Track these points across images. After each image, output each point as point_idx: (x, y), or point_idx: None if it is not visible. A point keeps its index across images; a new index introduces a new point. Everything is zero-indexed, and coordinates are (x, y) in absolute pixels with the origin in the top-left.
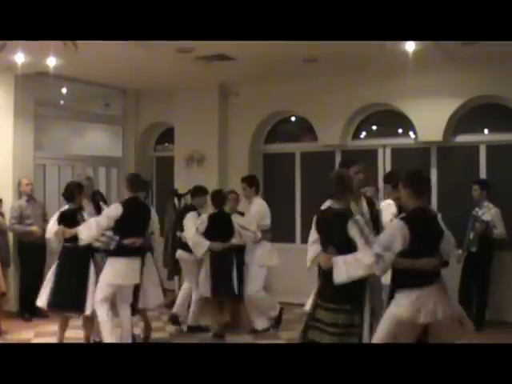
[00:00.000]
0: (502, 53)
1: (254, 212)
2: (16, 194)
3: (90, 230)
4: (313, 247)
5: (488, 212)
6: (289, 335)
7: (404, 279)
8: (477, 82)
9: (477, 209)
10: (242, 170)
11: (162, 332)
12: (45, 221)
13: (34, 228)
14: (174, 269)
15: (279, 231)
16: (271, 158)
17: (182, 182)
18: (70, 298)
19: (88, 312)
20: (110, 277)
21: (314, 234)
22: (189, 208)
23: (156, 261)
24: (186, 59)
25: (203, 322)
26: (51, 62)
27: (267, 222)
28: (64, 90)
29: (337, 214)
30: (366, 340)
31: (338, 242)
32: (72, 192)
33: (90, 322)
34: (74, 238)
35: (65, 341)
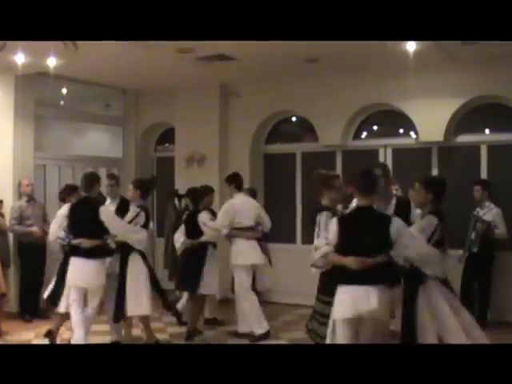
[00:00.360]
0: (503, 53)
1: (222, 209)
2: (16, 194)
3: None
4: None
5: (489, 212)
6: (289, 336)
7: (337, 274)
8: (478, 81)
9: (478, 209)
10: (242, 171)
11: (163, 333)
12: (45, 221)
13: (34, 229)
14: (174, 269)
15: (280, 232)
16: (272, 159)
17: (183, 182)
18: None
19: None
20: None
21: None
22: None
23: (155, 262)
24: (186, 59)
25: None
26: (51, 62)
27: (241, 219)
28: (64, 91)
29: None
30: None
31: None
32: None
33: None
34: None
35: (67, 341)
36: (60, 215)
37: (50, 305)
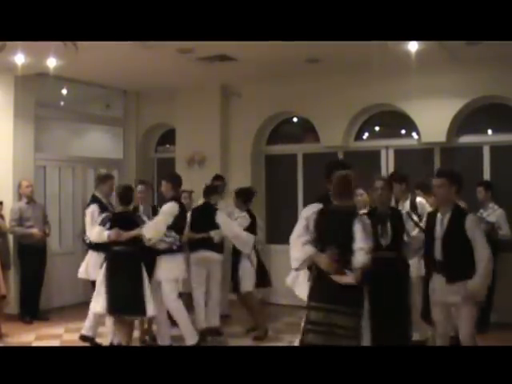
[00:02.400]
0: (506, 53)
1: None
2: (16, 195)
3: (156, 228)
4: (304, 248)
5: (493, 213)
6: (291, 338)
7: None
8: (480, 82)
9: (481, 210)
10: (243, 172)
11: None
12: (45, 223)
13: (34, 230)
14: None
15: (281, 232)
16: (273, 159)
17: (184, 183)
18: (130, 302)
19: (150, 313)
20: (176, 272)
21: (305, 235)
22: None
23: None
24: (187, 60)
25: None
26: (51, 62)
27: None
28: (64, 91)
29: (344, 211)
30: (365, 343)
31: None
32: (128, 195)
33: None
34: (129, 241)
35: (67, 344)
36: (169, 213)
37: (117, 314)
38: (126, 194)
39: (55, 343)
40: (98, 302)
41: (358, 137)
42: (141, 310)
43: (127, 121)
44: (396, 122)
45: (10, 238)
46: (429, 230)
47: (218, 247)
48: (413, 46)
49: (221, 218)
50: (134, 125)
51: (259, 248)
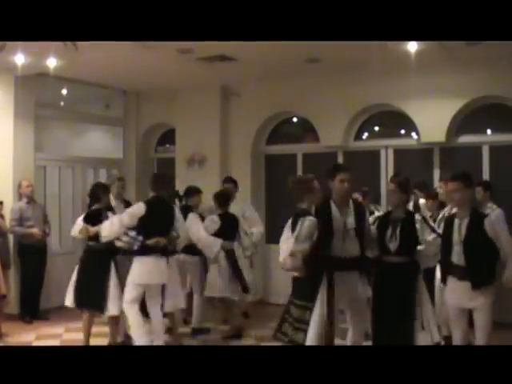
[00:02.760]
0: (506, 53)
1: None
2: (16, 195)
3: (111, 226)
4: (288, 244)
5: (492, 213)
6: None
7: None
8: (480, 82)
9: (480, 210)
10: (243, 172)
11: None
12: (45, 223)
13: (35, 230)
14: None
15: (280, 232)
16: (273, 159)
17: (183, 183)
18: (92, 297)
19: (112, 313)
20: (137, 277)
21: (289, 233)
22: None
23: None
24: (187, 60)
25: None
26: (51, 62)
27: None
28: (64, 91)
29: (297, 213)
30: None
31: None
32: (97, 193)
33: (114, 322)
34: (98, 237)
35: (67, 344)
36: (131, 213)
37: (83, 307)
38: (94, 192)
39: (55, 343)
40: (69, 295)
41: (358, 137)
42: (100, 306)
43: (127, 121)
44: (395, 121)
45: (10, 237)
46: (446, 236)
47: (193, 250)
48: (412, 46)
49: (189, 220)
50: (133, 125)
51: (249, 253)
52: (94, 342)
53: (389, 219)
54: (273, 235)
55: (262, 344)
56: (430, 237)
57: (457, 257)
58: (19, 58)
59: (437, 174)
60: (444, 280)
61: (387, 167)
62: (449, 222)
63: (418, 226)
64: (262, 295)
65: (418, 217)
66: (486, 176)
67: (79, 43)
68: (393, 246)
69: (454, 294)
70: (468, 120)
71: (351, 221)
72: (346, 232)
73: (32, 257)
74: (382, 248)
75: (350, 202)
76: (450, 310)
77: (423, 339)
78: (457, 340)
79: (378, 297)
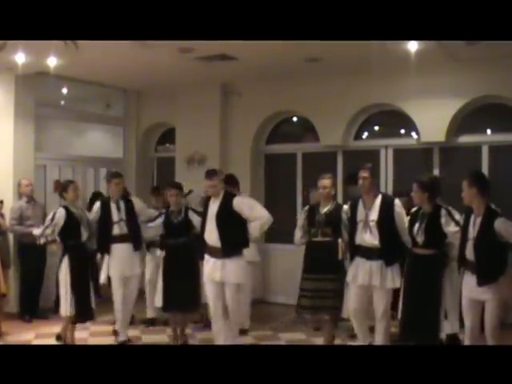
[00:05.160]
0: (506, 53)
1: None
2: (16, 195)
3: None
4: None
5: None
6: (290, 336)
7: None
8: (479, 82)
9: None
10: (243, 171)
11: (162, 334)
12: None
13: (34, 229)
14: None
15: (280, 232)
16: (273, 159)
17: (183, 182)
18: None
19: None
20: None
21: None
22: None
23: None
24: (187, 59)
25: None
26: (52, 62)
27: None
28: (65, 91)
29: None
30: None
31: None
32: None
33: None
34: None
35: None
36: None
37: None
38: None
39: (55, 342)
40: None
41: (358, 136)
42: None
43: (127, 120)
44: (395, 121)
45: (10, 236)
46: (464, 230)
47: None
48: (412, 46)
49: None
50: (134, 124)
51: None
52: (95, 341)
53: (417, 215)
54: (271, 234)
55: (262, 343)
56: (453, 229)
57: (469, 252)
58: (20, 57)
59: (436, 173)
60: (461, 271)
61: (387, 167)
62: (467, 216)
63: (443, 219)
64: (261, 295)
65: (443, 211)
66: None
67: (80, 42)
68: (420, 239)
69: (467, 286)
70: (468, 120)
71: (373, 214)
72: (366, 224)
73: (32, 256)
74: (412, 241)
75: (379, 196)
76: (464, 301)
77: (446, 327)
78: (468, 329)
79: (408, 285)
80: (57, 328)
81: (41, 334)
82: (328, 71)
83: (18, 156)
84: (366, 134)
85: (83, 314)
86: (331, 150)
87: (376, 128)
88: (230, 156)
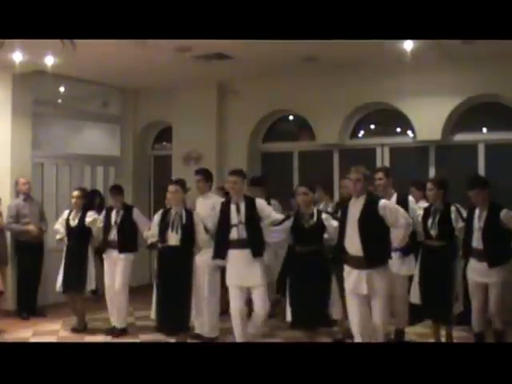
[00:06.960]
0: (501, 52)
1: None
2: (14, 192)
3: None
4: None
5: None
6: (289, 334)
7: None
8: (475, 80)
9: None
10: None
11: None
12: (42, 220)
13: (31, 227)
14: None
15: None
16: (269, 157)
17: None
18: None
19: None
20: None
21: None
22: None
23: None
24: (184, 58)
25: None
26: (49, 60)
27: None
28: (62, 89)
29: None
30: None
31: None
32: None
33: None
34: None
35: (64, 340)
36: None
37: None
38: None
39: (52, 339)
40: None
41: (354, 135)
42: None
43: (124, 118)
44: (391, 120)
45: (8, 234)
46: (468, 223)
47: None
48: (409, 45)
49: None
50: (131, 122)
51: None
52: (94, 338)
53: (430, 210)
54: None
55: (262, 342)
56: (461, 225)
57: (476, 241)
58: (17, 56)
59: (432, 171)
60: (466, 259)
61: (383, 165)
62: (470, 211)
63: (453, 215)
64: None
65: (453, 208)
66: (481, 174)
67: (77, 41)
68: (433, 232)
69: (474, 272)
70: (464, 118)
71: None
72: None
73: (29, 253)
74: (426, 234)
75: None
76: (470, 285)
77: (456, 307)
78: (475, 309)
79: (423, 273)
80: (54, 325)
81: (38, 332)
82: (324, 70)
83: (15, 154)
84: (362, 133)
85: None
86: (327, 149)
87: (372, 126)
88: (226, 154)
